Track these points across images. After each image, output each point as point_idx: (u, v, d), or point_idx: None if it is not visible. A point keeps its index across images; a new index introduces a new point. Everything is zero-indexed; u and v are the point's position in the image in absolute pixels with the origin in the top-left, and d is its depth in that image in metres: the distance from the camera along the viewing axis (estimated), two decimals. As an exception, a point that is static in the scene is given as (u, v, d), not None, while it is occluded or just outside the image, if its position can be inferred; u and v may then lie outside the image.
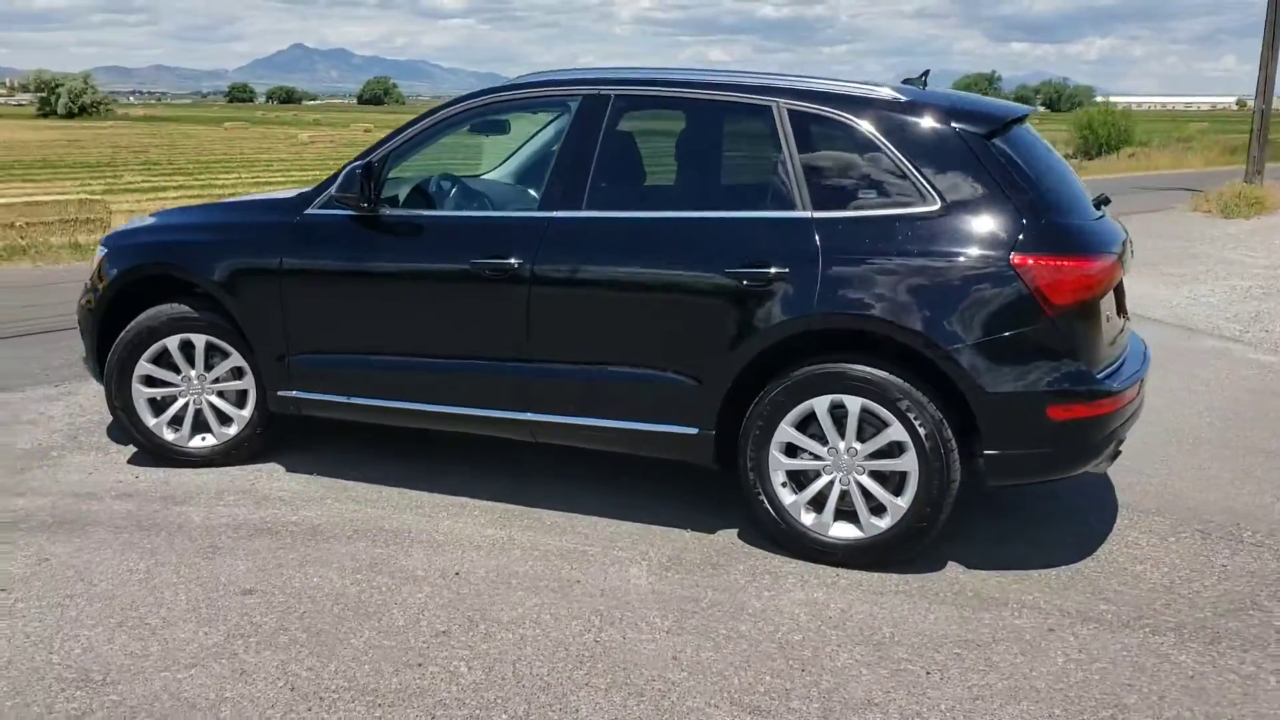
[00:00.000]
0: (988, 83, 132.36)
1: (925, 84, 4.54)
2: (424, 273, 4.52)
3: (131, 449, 5.21)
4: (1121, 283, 4.26)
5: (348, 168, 4.53)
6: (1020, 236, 3.86)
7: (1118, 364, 4.11)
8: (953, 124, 4.03)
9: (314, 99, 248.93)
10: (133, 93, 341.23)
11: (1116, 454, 4.11)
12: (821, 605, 3.77)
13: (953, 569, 4.05)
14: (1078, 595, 3.85)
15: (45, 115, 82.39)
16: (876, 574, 4.02)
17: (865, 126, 4.06)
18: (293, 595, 3.79)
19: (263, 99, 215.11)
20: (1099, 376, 3.93)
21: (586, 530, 4.38)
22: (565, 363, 4.31)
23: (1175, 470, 5.10)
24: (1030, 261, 3.81)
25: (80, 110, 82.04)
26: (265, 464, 5.07)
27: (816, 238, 3.99)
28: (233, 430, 5.00)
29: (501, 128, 5.03)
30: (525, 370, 4.36)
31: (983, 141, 3.99)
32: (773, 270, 3.97)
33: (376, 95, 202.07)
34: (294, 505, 4.62)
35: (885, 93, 4.17)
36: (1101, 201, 4.41)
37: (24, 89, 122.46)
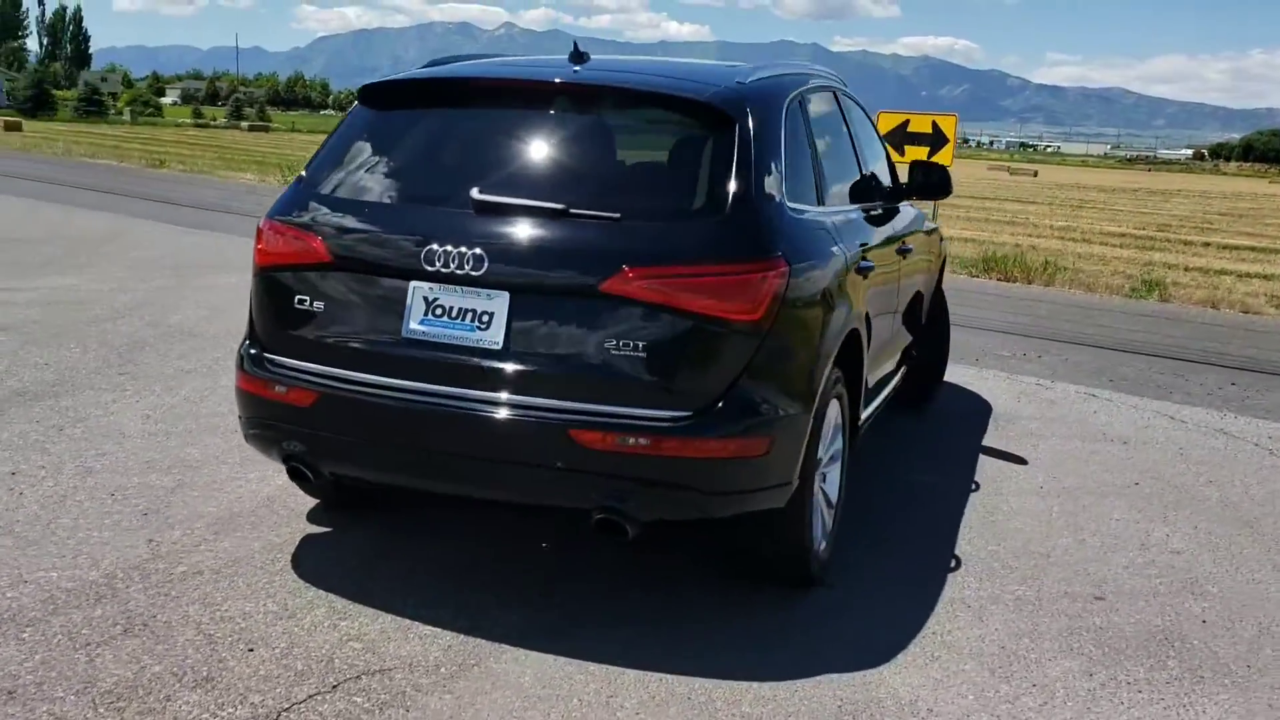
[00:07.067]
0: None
1: (578, 55, 3.88)
2: None
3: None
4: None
5: None
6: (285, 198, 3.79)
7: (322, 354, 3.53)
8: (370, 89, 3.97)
9: None
10: None
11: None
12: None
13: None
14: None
15: None
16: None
17: None
18: None
19: None
20: (252, 352, 3.71)
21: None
22: None
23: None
24: (263, 222, 3.75)
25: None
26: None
27: None
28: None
29: None
30: None
31: (360, 108, 3.92)
32: None
33: None
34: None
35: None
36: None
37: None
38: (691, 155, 3.60)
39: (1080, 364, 8.49)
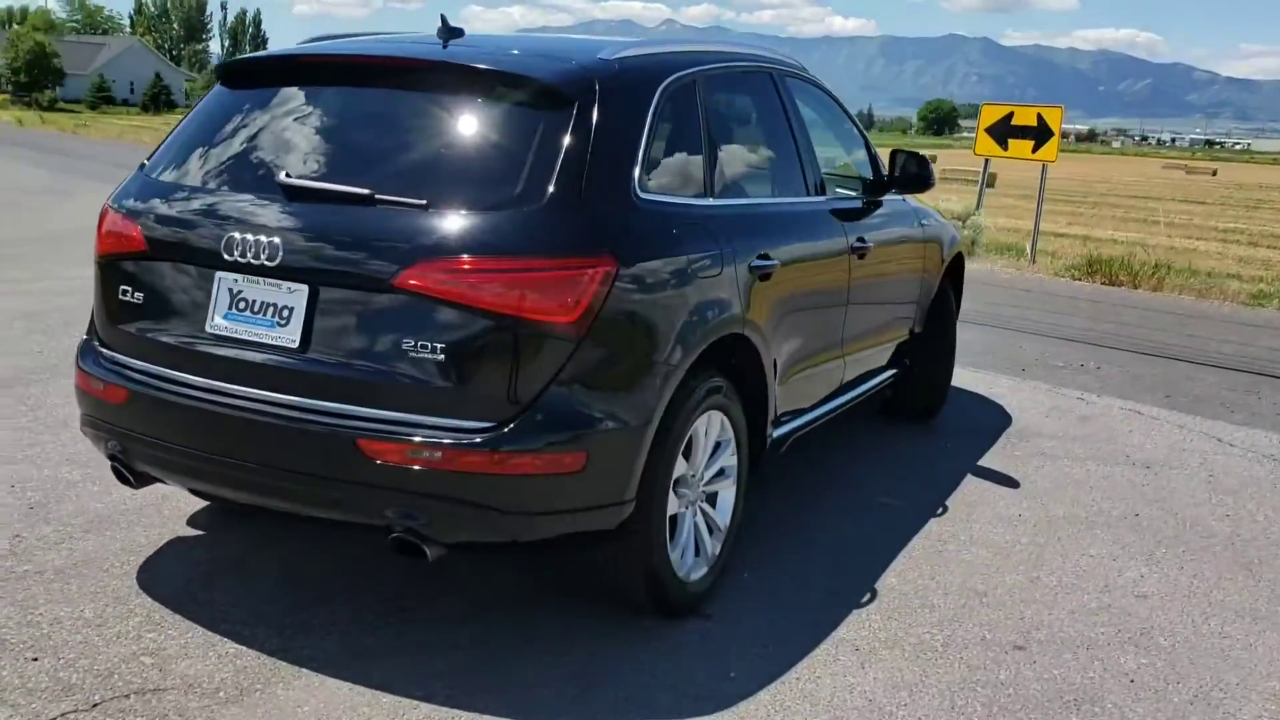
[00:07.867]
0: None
1: (448, 30, 3.57)
2: None
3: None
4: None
5: None
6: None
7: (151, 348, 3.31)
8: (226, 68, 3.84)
9: None
10: None
11: None
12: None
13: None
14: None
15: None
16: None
17: None
18: None
19: None
20: (92, 345, 3.54)
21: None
22: None
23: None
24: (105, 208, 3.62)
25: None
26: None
27: None
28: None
29: None
30: None
31: (218, 88, 3.73)
32: None
33: None
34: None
35: None
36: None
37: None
38: (523, 139, 3.19)
39: (1141, 376, 7.73)
